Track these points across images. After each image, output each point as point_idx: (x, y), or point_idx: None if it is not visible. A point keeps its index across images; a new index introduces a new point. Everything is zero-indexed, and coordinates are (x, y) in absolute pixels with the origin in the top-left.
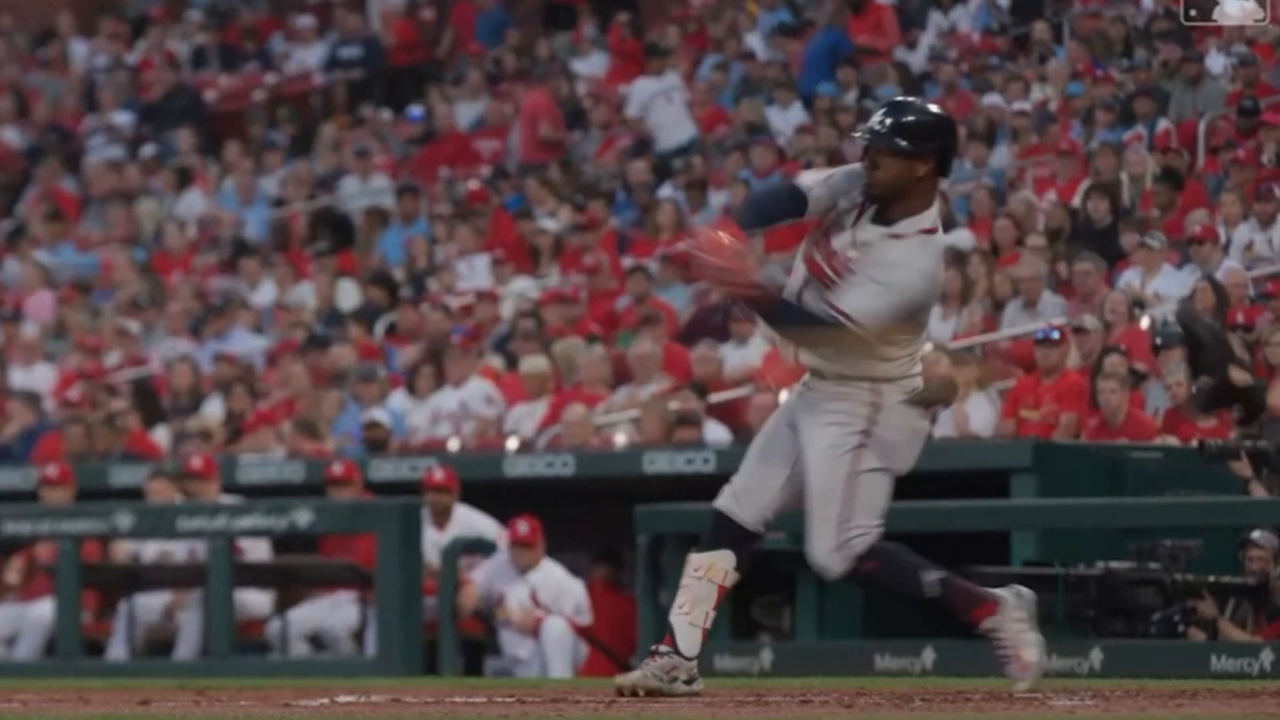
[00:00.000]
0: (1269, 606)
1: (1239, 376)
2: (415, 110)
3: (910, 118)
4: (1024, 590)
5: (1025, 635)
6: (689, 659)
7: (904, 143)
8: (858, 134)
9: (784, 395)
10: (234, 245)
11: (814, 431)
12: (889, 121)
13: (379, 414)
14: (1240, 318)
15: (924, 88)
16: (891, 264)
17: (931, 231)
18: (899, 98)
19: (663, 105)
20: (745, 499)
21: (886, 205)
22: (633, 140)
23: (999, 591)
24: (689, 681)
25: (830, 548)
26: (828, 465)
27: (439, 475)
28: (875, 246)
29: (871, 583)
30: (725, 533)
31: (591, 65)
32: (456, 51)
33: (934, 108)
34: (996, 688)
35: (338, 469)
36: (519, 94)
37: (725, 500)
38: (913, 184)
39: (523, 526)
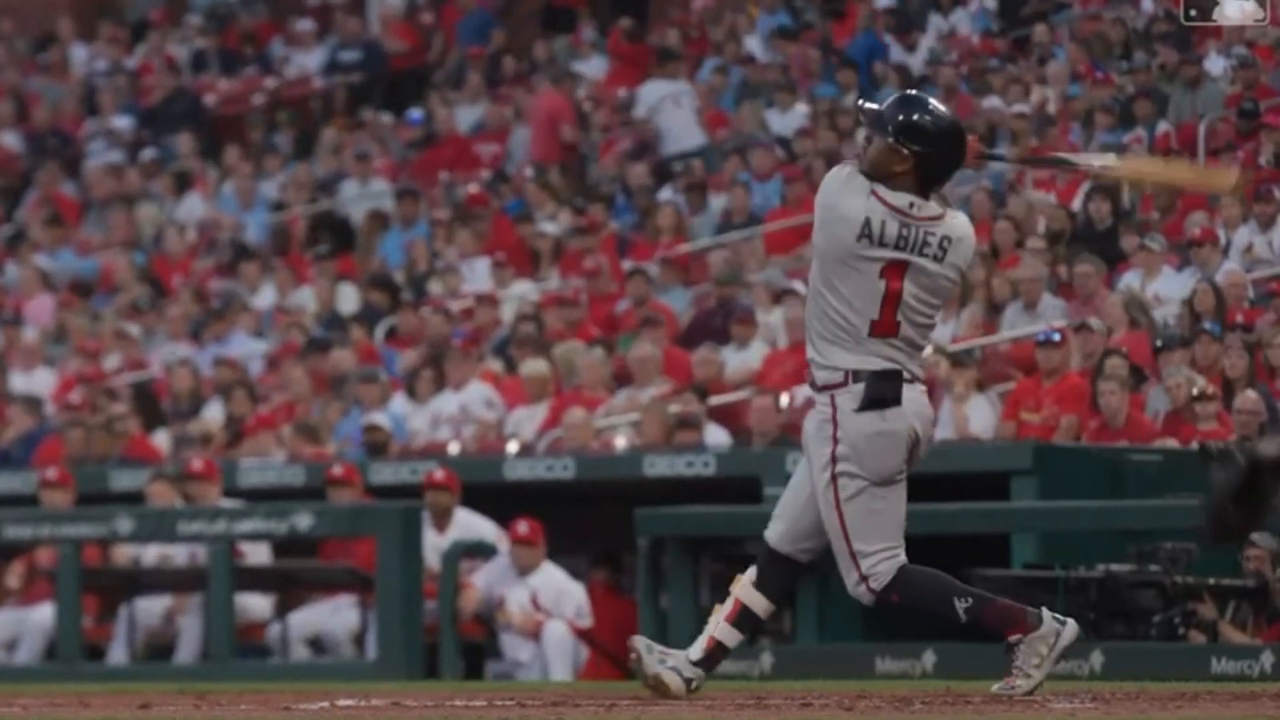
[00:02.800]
0: (1269, 609)
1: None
2: (415, 113)
3: (909, 115)
4: (1070, 622)
5: (1033, 663)
6: (689, 659)
7: (888, 135)
8: (861, 103)
9: (784, 398)
10: (234, 249)
11: (809, 461)
12: (891, 109)
13: (379, 417)
14: (1240, 319)
15: (923, 90)
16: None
17: (880, 199)
18: (917, 92)
19: (671, 109)
20: (775, 519)
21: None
22: (634, 143)
23: (1045, 614)
24: (674, 669)
25: (854, 580)
26: (821, 497)
27: (439, 475)
28: None
29: (903, 610)
30: (759, 551)
31: (591, 68)
32: (447, 53)
33: (943, 115)
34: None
35: (338, 470)
36: (519, 97)
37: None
38: (892, 176)
39: (523, 527)
